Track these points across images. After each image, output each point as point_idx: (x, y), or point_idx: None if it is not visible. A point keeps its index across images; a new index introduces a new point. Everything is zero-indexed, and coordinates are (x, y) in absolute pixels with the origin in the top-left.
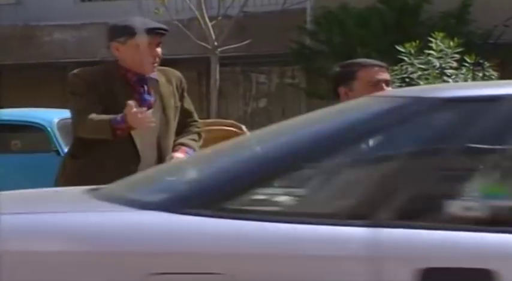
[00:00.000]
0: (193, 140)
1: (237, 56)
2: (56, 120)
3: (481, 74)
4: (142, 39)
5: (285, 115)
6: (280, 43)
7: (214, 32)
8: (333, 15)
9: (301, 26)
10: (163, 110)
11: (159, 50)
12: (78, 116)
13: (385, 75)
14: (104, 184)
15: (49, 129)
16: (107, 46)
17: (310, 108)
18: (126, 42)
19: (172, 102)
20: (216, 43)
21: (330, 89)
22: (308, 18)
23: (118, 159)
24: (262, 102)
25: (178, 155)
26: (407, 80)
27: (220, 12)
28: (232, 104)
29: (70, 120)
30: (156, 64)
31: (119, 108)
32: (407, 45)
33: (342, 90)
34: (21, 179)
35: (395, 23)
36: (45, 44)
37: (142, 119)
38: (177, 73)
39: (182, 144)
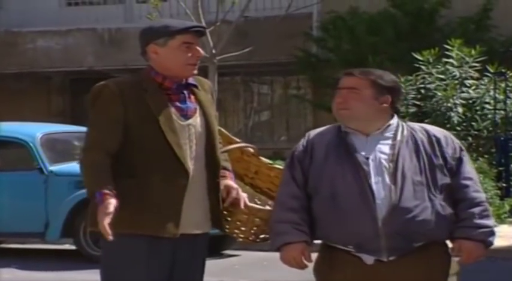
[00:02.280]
0: (227, 160)
1: (237, 64)
2: (39, 135)
3: (503, 85)
4: (185, 38)
5: (289, 129)
6: (284, 51)
7: (212, 39)
8: (342, 20)
9: (307, 32)
10: (206, 118)
11: (201, 50)
12: (87, 146)
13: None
14: (153, 202)
15: (31, 145)
16: (141, 52)
17: (317, 122)
18: (167, 43)
19: (211, 111)
20: (214, 51)
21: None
22: (314, 24)
23: (165, 174)
24: (265, 115)
25: (231, 183)
26: (423, 91)
27: (219, 17)
28: (232, 117)
29: (60, 135)
30: (196, 66)
31: (151, 119)
32: (425, 53)
33: None
34: (3, 199)
35: (410, 29)
36: (28, 51)
37: (102, 223)
38: (208, 81)
39: (224, 168)
